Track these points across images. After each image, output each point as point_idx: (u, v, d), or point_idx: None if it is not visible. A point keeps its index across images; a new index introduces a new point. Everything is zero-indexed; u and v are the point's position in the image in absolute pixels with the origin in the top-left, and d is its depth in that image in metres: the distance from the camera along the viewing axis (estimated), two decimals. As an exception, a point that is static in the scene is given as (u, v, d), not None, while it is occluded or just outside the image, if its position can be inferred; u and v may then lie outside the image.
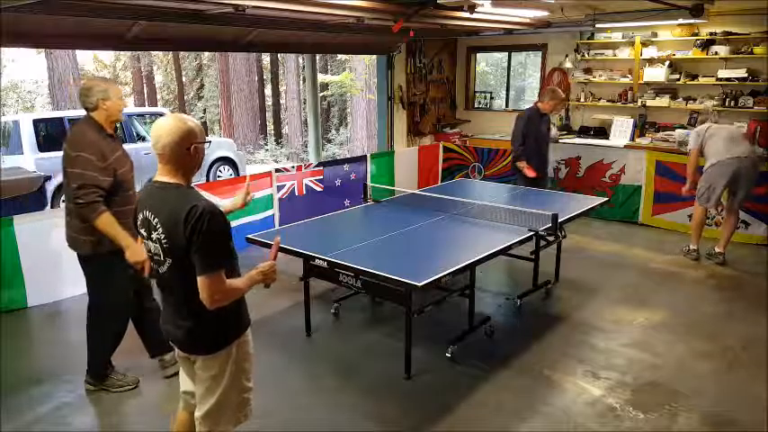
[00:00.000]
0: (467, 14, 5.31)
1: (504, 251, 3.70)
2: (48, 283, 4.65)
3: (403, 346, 3.47)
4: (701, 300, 4.68)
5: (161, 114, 8.77)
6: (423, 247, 3.78)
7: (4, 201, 5.46)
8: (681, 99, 6.89)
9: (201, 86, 19.94)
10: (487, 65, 14.08)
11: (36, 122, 8.19)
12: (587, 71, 7.67)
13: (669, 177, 6.36)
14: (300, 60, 16.43)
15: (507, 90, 9.32)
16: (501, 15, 5.96)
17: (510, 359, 3.70)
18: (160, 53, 19.00)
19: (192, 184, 2.12)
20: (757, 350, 3.81)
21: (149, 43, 6.37)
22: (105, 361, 3.36)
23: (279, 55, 18.22)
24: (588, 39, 7.55)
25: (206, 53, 18.30)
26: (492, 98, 9.33)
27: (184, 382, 2.34)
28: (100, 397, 3.33)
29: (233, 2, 4.04)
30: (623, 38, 7.18)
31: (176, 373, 3.40)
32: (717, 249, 5.44)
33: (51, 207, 7.25)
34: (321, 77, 16.81)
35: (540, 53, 8.21)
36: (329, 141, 17.98)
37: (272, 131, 19.32)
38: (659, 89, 7.02)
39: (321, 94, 17.00)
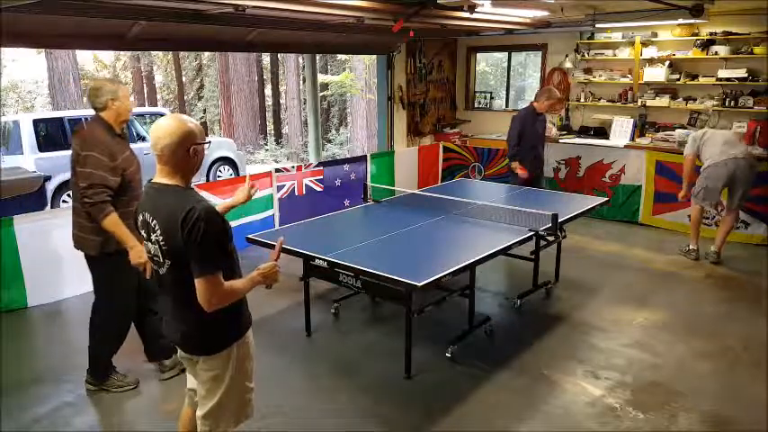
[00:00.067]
0: (467, 14, 5.30)
1: (503, 251, 3.70)
2: (48, 283, 4.65)
3: (403, 346, 3.47)
4: (701, 300, 4.68)
5: (161, 114, 8.80)
6: (423, 247, 3.78)
7: (4, 201, 5.47)
8: (681, 99, 6.89)
9: (201, 86, 19.94)
10: (487, 65, 14.08)
11: (36, 122, 8.18)
12: (587, 71, 7.67)
13: (669, 177, 6.36)
14: (300, 60, 16.42)
15: (507, 90, 9.33)
16: (501, 15, 5.95)
17: (510, 359, 3.70)
18: (160, 53, 19.01)
19: (192, 185, 2.12)
20: (757, 350, 3.81)
21: (149, 43, 6.36)
22: (107, 361, 3.36)
23: (279, 55, 18.22)
24: (588, 39, 7.54)
25: (206, 53, 18.30)
26: (492, 98, 9.33)
27: (190, 380, 2.35)
28: (100, 397, 3.33)
29: (233, 2, 4.04)
30: (623, 38, 7.18)
31: (173, 377, 3.44)
32: (712, 248, 5.47)
33: (51, 207, 7.26)
34: (321, 77, 16.79)
35: (539, 53, 8.21)
36: (329, 141, 17.96)
37: (272, 131, 19.31)
38: (659, 89, 7.02)
39: (321, 94, 16.98)
